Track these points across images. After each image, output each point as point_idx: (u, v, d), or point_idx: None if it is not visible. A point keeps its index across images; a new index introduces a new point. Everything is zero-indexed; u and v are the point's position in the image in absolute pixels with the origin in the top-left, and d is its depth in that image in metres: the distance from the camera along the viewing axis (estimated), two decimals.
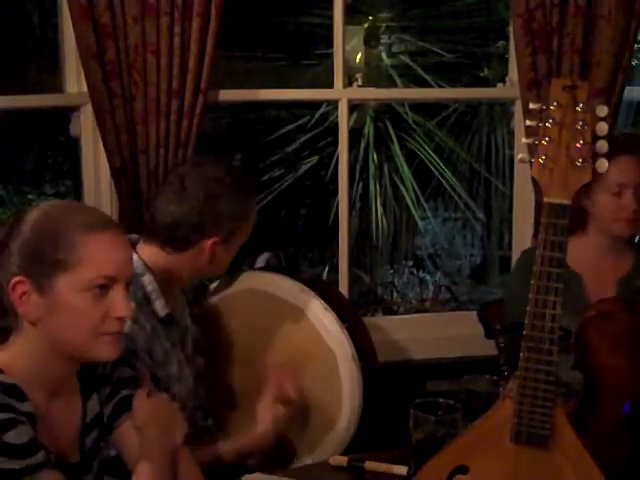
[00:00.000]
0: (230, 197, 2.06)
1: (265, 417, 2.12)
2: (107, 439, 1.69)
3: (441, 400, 1.84)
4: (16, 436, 1.44)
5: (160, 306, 2.04)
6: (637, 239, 2.60)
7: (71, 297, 1.52)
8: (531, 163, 1.61)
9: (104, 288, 1.54)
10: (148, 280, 2.03)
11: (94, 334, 1.54)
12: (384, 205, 5.63)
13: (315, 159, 5.62)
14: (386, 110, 5.61)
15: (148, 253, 2.06)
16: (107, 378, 1.68)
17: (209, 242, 2.05)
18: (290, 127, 5.57)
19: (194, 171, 2.10)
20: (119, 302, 1.55)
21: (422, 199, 5.63)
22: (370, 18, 5.49)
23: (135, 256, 2.03)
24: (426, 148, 5.61)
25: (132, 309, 1.59)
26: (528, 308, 1.59)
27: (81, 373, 1.64)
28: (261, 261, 2.44)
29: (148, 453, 1.63)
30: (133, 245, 2.07)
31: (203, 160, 2.22)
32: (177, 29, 2.62)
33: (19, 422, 1.46)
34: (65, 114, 2.86)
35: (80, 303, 1.52)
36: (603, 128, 1.57)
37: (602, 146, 1.57)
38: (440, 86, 5.42)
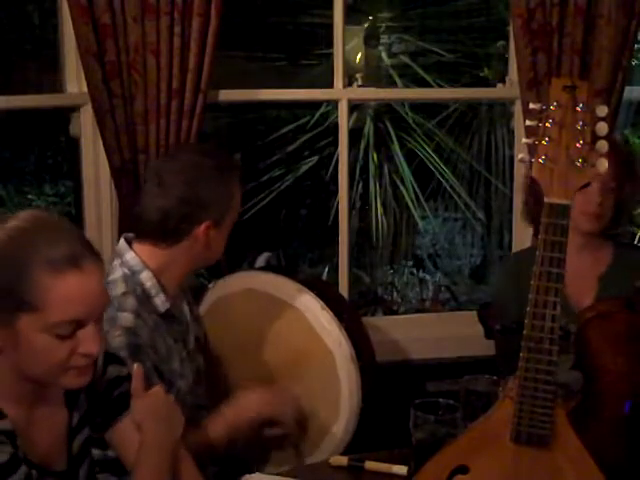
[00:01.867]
0: (211, 179, 2.04)
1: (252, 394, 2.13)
2: (100, 439, 1.66)
3: (441, 400, 1.84)
4: None
5: (160, 302, 2.04)
6: (638, 238, 2.61)
7: (34, 337, 1.42)
8: (531, 163, 1.61)
9: (70, 330, 1.44)
10: (147, 276, 2.03)
11: (60, 369, 1.46)
12: (384, 205, 5.63)
13: (315, 159, 5.61)
14: (386, 110, 5.61)
15: (143, 252, 2.05)
16: (98, 377, 1.62)
17: (201, 228, 2.03)
18: (290, 127, 5.57)
19: (169, 162, 2.10)
20: (88, 340, 1.45)
21: (422, 199, 5.63)
22: (370, 18, 5.49)
23: (132, 254, 2.04)
24: (426, 148, 5.61)
25: (102, 345, 1.50)
26: (528, 308, 1.59)
27: None
28: (261, 261, 2.45)
29: (149, 447, 1.61)
30: (129, 243, 2.07)
31: (176, 150, 2.21)
32: (177, 29, 2.62)
33: None
34: (65, 114, 2.86)
35: (44, 343, 1.43)
36: (603, 128, 1.57)
37: (602, 146, 1.57)
38: (440, 86, 5.42)
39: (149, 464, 1.60)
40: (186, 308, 2.20)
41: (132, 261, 2.03)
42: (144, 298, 2.01)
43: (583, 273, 2.37)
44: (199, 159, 2.07)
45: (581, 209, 2.30)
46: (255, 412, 2.11)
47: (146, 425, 1.63)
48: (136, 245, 2.07)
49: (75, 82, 2.78)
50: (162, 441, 1.63)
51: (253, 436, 2.14)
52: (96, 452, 1.74)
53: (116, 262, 2.05)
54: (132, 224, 2.13)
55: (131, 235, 2.09)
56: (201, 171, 2.04)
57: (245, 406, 2.12)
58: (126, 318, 1.94)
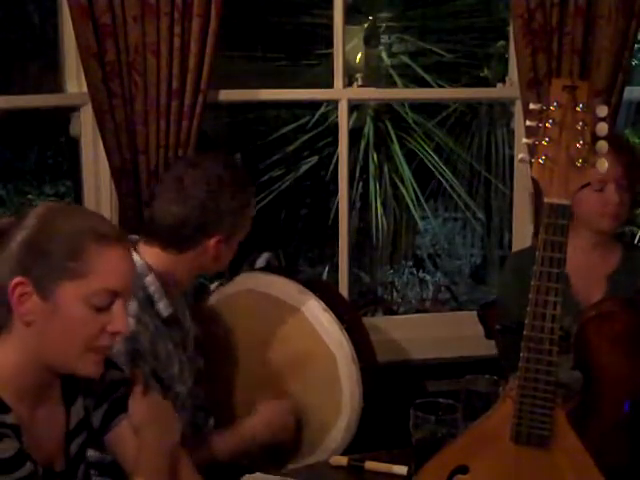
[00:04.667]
0: (230, 193, 2.04)
1: (266, 406, 2.14)
2: (99, 442, 1.66)
3: (441, 400, 1.84)
4: (2, 450, 1.40)
5: (163, 306, 2.04)
6: (637, 238, 2.61)
7: (73, 306, 1.48)
8: (531, 163, 1.61)
9: (107, 302, 1.50)
10: (151, 280, 2.02)
11: (85, 347, 1.50)
12: (384, 205, 5.63)
13: (315, 159, 5.61)
14: (386, 110, 5.61)
15: (149, 254, 2.05)
16: (95, 382, 1.62)
17: (212, 241, 2.04)
18: (290, 127, 5.57)
19: (192, 169, 2.08)
20: (119, 317, 1.52)
21: (422, 199, 5.63)
22: (370, 18, 5.49)
23: (136, 256, 2.03)
24: (426, 148, 5.61)
25: (129, 325, 1.58)
26: (528, 308, 1.59)
27: (64, 378, 1.59)
28: (261, 261, 2.44)
29: (148, 451, 1.61)
30: (133, 246, 2.06)
31: (199, 157, 2.22)
32: (177, 29, 2.62)
33: (4, 436, 1.41)
34: (65, 114, 2.86)
35: (81, 314, 1.48)
36: (603, 128, 1.57)
37: (602, 146, 1.57)
38: (440, 86, 5.42)
39: (148, 467, 1.60)
40: (186, 310, 2.19)
41: (136, 264, 2.02)
42: (147, 302, 2.01)
43: (592, 272, 2.37)
44: (222, 172, 2.06)
45: (600, 211, 2.31)
46: (260, 435, 2.14)
47: (145, 429, 1.63)
48: (143, 247, 2.07)
49: (75, 82, 2.78)
50: (161, 444, 1.63)
51: (259, 452, 2.16)
52: (94, 455, 1.74)
53: None
54: (141, 225, 2.13)
55: (135, 237, 2.09)
56: (223, 184, 2.04)
57: (250, 428, 2.14)
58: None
